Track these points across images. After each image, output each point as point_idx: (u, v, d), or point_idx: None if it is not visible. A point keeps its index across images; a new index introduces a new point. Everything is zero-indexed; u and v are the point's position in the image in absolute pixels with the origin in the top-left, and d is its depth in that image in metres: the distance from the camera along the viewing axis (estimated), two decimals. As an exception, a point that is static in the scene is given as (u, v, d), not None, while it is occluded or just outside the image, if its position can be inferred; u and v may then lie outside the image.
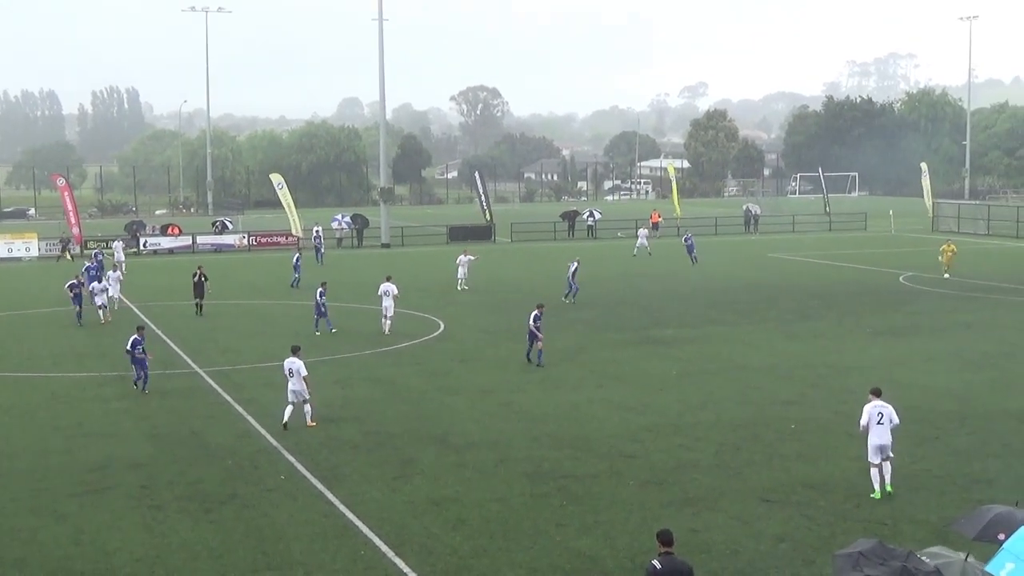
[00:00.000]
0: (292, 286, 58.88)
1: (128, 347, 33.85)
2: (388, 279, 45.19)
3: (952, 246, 63.23)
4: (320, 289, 44.45)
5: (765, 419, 29.66)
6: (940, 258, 61.83)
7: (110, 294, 49.96)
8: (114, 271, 54.92)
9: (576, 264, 53.19)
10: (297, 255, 62.22)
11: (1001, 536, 13.45)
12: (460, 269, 58.87)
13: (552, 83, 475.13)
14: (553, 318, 47.82)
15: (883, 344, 41.12)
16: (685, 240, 71.58)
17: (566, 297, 52.53)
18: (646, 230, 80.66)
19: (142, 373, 33.84)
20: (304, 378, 29.34)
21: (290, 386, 29.48)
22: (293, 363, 29.47)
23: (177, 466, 26.09)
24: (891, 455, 22.94)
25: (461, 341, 42.94)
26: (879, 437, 22.79)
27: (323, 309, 44.13)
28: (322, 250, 75.46)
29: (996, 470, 24.81)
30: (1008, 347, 40.18)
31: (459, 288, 57.54)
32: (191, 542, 20.91)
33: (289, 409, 29.37)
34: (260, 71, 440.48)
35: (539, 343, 37.39)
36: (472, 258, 60.44)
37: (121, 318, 48.18)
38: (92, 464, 26.31)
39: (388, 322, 44.14)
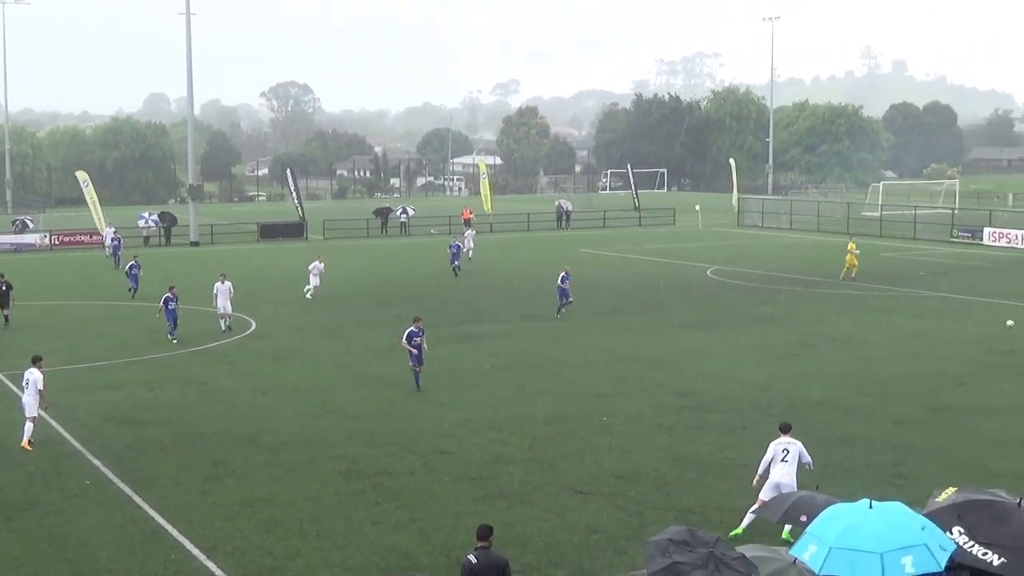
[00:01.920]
0: (133, 296, 52.98)
1: None
2: (223, 278, 44.21)
3: (852, 244, 59.33)
4: (168, 295, 41.48)
5: (578, 412, 30.04)
6: (849, 258, 58.10)
7: None
8: None
9: (565, 272, 47.26)
10: (132, 262, 54.87)
11: (803, 518, 13.90)
12: (312, 278, 53.78)
13: (364, 79, 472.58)
14: (371, 317, 47.68)
15: (692, 337, 42.05)
16: (451, 247, 63.59)
17: (559, 312, 46.41)
18: (473, 231, 76.59)
19: None
20: (40, 392, 27.12)
21: (23, 398, 27.53)
22: (31, 374, 27.44)
23: (-25, 474, 25.15)
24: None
25: (274, 340, 42.42)
26: (779, 475, 20.63)
27: (175, 316, 41.30)
28: (119, 252, 71.27)
29: (799, 457, 25.56)
30: (809, 338, 41.53)
31: (307, 295, 53.13)
32: (-9, 552, 20.20)
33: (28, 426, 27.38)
34: (61, 65, 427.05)
35: (419, 367, 32.97)
36: (323, 265, 54.90)
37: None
38: None
39: (228, 319, 43.53)
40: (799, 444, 21.09)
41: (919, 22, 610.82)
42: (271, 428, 28.89)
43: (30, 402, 27.23)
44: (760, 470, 21.09)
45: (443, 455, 26.15)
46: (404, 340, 33.06)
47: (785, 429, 21.44)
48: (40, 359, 28.24)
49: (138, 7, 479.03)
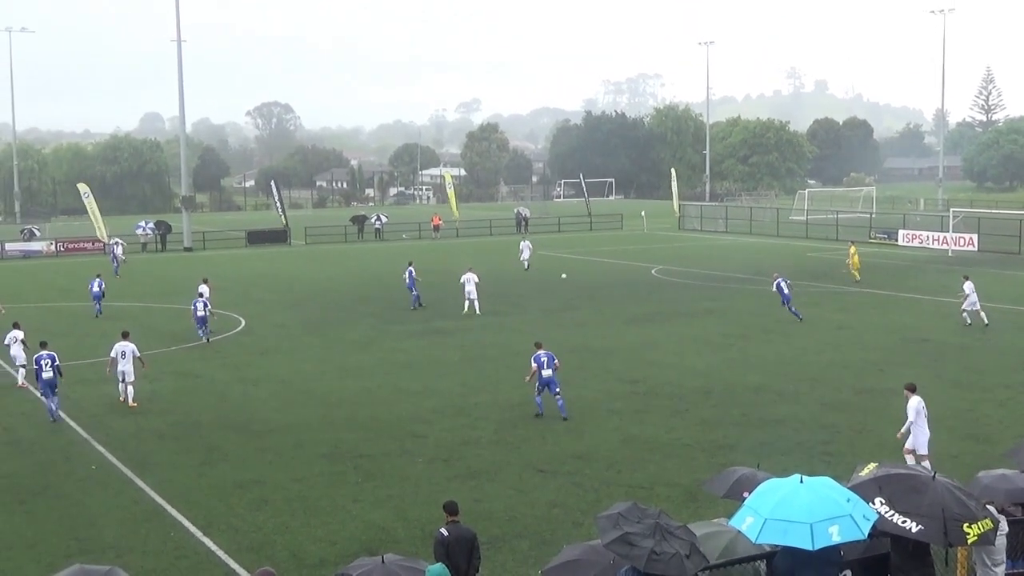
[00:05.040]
0: (97, 316, 47.43)
1: None
2: (205, 281, 43.84)
3: (854, 248, 57.03)
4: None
5: (537, 399, 30.04)
6: (848, 261, 56.05)
7: None
8: None
9: (782, 279, 43.56)
10: (97, 279, 48.75)
11: (745, 495, 13.92)
12: (469, 288, 46.57)
13: (340, 99, 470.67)
14: (348, 315, 47.52)
15: (638, 329, 42.13)
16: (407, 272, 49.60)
17: (797, 315, 42.61)
18: (528, 242, 68.19)
19: None
20: (139, 358, 30.30)
21: (121, 366, 30.03)
22: (126, 346, 30.27)
23: (-10, 461, 24.90)
24: None
25: (261, 336, 42.20)
26: (929, 431, 21.86)
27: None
28: (119, 260, 69.24)
29: (737, 436, 25.73)
30: (743, 329, 41.70)
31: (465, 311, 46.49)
32: (4, 533, 19.99)
33: (122, 387, 30.28)
34: (65, 87, 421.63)
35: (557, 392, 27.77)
36: (476, 276, 47.03)
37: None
38: (-95, 462, 24.88)
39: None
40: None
41: (838, 46, 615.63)
42: (260, 416, 28.75)
43: (129, 368, 30.01)
44: (905, 428, 22.00)
45: (417, 439, 26.10)
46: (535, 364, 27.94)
47: (913, 388, 22.23)
48: (128, 333, 31.42)
49: (135, 34, 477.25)
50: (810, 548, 11.80)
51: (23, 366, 32.86)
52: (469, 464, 23.84)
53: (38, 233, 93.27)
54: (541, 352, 28.06)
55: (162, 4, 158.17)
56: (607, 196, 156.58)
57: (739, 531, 12.95)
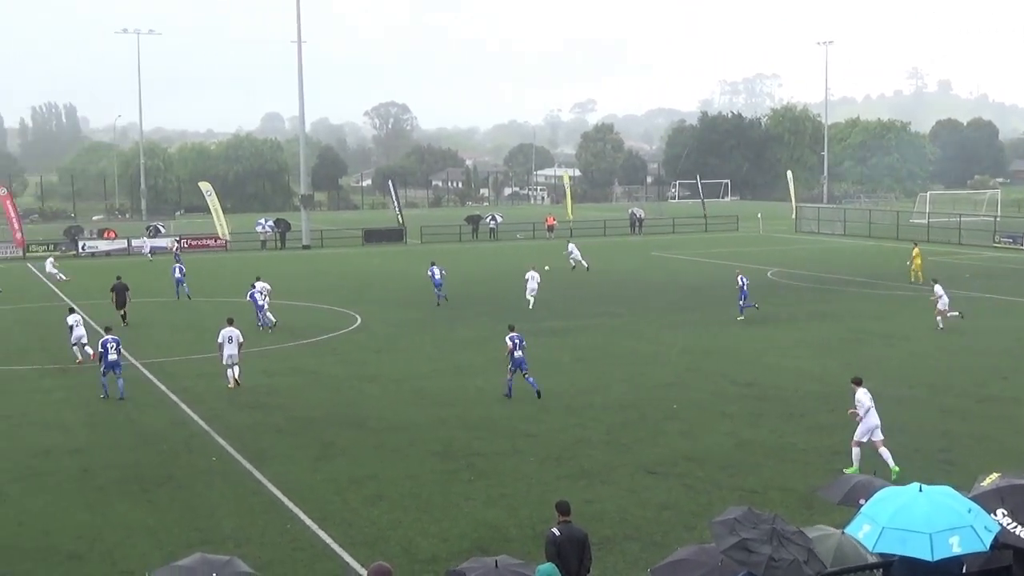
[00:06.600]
0: (188, 296, 53.28)
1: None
2: (258, 279, 45.50)
3: (917, 249, 57.67)
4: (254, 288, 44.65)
5: (650, 400, 29.91)
6: (909, 264, 57.11)
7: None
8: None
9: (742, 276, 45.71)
10: (178, 266, 55.48)
11: (861, 501, 13.68)
12: (531, 282, 48.89)
13: (456, 100, 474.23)
14: (460, 313, 47.83)
15: (752, 332, 41.64)
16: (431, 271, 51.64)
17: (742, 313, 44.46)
18: (573, 244, 67.95)
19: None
20: (241, 344, 32.33)
21: (229, 350, 31.98)
22: (234, 331, 32.28)
23: (115, 451, 25.64)
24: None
25: (376, 333, 42.71)
26: (875, 418, 22.99)
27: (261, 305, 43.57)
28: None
29: (852, 443, 25.26)
30: (859, 334, 40.95)
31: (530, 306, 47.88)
32: (129, 520, 20.56)
33: (228, 372, 32.24)
34: (188, 88, 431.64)
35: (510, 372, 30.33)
36: (538, 274, 49.48)
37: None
38: (35, 450, 25.75)
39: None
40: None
41: (963, 44, 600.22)
42: (375, 413, 29.10)
43: (236, 352, 32.08)
44: (862, 413, 22.98)
45: (528, 438, 26.16)
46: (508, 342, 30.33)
47: (859, 382, 23.56)
48: (233, 319, 33.59)
49: (256, 36, 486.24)
50: (929, 559, 11.53)
51: (80, 345, 36.00)
52: (581, 464, 23.82)
53: (163, 230, 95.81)
54: (515, 334, 30.34)
55: (283, 5, 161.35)
56: (722, 197, 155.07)
57: (843, 533, 12.73)
